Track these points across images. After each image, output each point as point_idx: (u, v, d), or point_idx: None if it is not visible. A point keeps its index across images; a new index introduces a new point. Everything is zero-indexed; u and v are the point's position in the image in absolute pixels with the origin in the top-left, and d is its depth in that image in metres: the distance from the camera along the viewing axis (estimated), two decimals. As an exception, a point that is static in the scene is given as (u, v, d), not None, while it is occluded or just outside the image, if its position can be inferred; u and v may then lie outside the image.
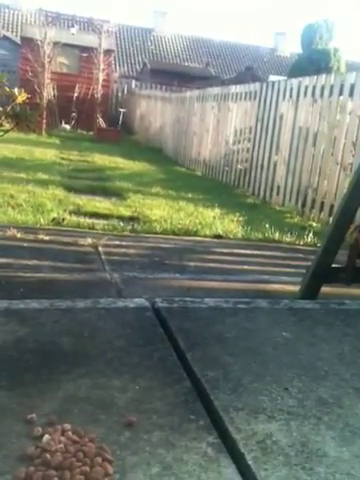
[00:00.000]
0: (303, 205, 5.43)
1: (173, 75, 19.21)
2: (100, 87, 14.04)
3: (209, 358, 1.66)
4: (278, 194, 5.99)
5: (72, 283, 2.55)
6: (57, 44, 13.26)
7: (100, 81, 13.99)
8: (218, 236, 3.97)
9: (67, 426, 1.21)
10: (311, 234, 4.22)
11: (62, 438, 1.17)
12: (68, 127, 14.74)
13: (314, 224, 4.92)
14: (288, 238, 4.12)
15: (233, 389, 1.48)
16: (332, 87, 5.08)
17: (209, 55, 28.31)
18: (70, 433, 1.19)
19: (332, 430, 1.34)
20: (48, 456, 1.10)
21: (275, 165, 6.15)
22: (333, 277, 2.48)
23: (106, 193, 5.44)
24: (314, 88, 5.39)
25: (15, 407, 1.29)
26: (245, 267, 3.17)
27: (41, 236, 3.30)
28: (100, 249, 3.17)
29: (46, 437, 1.16)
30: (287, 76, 14.75)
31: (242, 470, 1.16)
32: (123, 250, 3.25)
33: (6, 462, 1.10)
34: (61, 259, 2.90)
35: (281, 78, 9.78)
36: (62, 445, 1.14)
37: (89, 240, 3.28)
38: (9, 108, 2.58)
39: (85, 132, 14.39)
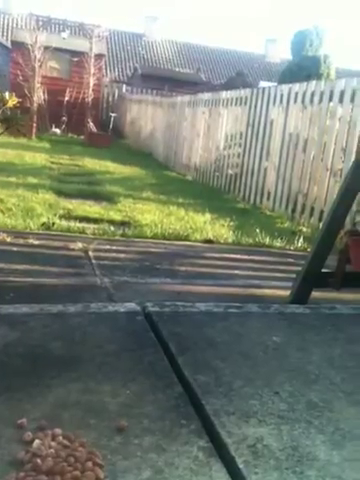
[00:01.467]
0: (293, 210, 5.45)
1: (164, 80, 19.25)
2: (91, 91, 14.03)
3: (200, 362, 1.66)
4: (268, 199, 6.02)
5: (62, 288, 2.54)
6: (48, 48, 13.23)
7: (91, 85, 13.98)
8: (209, 241, 3.98)
9: (58, 431, 1.21)
10: (301, 239, 4.24)
11: (53, 443, 1.16)
12: (58, 131, 14.70)
13: (304, 229, 4.94)
14: (278, 243, 4.13)
15: (224, 393, 1.48)
16: (322, 93, 5.12)
17: (200, 61, 28.42)
18: (61, 438, 1.18)
19: (322, 434, 1.35)
20: (39, 461, 1.10)
21: (265, 170, 6.17)
22: (323, 282, 2.50)
23: (96, 197, 5.43)
24: (304, 94, 5.42)
25: (5, 412, 1.28)
26: (236, 272, 3.18)
27: (31, 240, 3.29)
28: (90, 254, 3.16)
29: (36, 442, 1.16)
30: (277, 82, 14.84)
31: (233, 474, 1.16)
32: (113, 254, 3.25)
33: (-4, 467, 1.09)
34: (51, 263, 2.89)
35: (271, 84, 9.84)
36: (53, 450, 1.14)
37: (79, 244, 3.28)
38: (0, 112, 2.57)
39: (76, 136, 14.36)
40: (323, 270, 2.48)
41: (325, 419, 1.42)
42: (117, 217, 4.48)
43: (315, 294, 2.49)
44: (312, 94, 5.28)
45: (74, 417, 1.29)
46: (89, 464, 1.10)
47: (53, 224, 3.83)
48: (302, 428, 1.36)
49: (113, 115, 14.94)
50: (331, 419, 1.42)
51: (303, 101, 5.44)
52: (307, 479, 1.16)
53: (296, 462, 1.22)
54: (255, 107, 6.51)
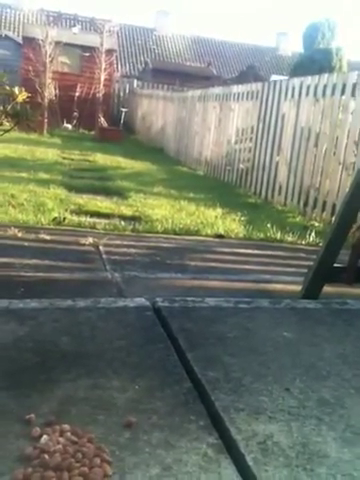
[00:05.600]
0: (305, 205, 5.41)
1: (175, 75, 19.18)
2: (102, 87, 14.04)
3: (210, 358, 1.65)
4: (280, 194, 5.97)
5: (73, 282, 2.54)
6: (59, 44, 13.25)
7: (102, 81, 13.99)
8: (220, 236, 3.96)
9: (66, 426, 1.20)
10: (313, 234, 4.21)
11: (61, 439, 1.16)
12: (70, 127, 14.73)
13: (316, 224, 4.90)
14: (290, 238, 4.10)
15: (234, 389, 1.47)
16: (334, 86, 5.06)
17: (211, 55, 28.30)
18: (69, 434, 1.18)
19: (333, 431, 1.33)
20: (46, 457, 1.09)
21: (277, 165, 6.13)
22: (335, 277, 2.47)
23: (107, 192, 5.43)
24: (316, 87, 5.37)
25: (14, 407, 1.28)
26: (246, 267, 3.16)
27: (42, 235, 3.29)
28: (101, 248, 3.16)
29: (44, 438, 1.15)
30: (289, 76, 14.73)
31: (242, 471, 1.14)
32: (124, 249, 3.25)
33: (4, 463, 1.09)
34: (62, 258, 2.89)
35: (283, 78, 9.77)
36: (61, 446, 1.13)
37: (90, 239, 3.28)
38: (9, 107, 2.57)
39: (87, 132, 14.38)
40: (335, 265, 2.45)
41: (336, 416, 1.40)
42: (128, 212, 4.48)
43: (327, 289, 2.46)
44: (324, 87, 5.22)
45: (82, 413, 1.29)
46: (97, 460, 1.10)
47: (64, 219, 3.84)
48: (313, 425, 1.34)
49: (124, 110, 14.93)
50: (342, 416, 1.40)
51: (315, 94, 5.39)
52: (318, 477, 1.15)
53: (306, 459, 1.20)
54: (266, 101, 6.46)
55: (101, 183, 6.02)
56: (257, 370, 1.60)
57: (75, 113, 14.95)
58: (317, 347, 1.83)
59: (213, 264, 3.15)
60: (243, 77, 17.98)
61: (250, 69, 21.38)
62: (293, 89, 5.84)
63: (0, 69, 11.56)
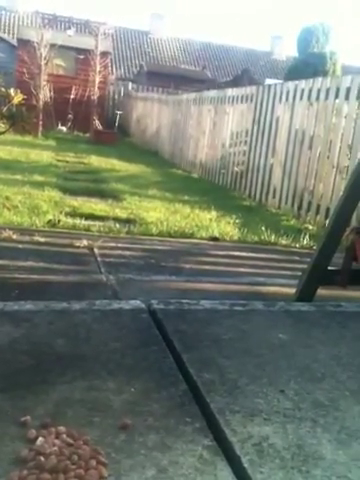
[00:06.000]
0: (299, 208, 5.43)
1: (170, 78, 19.23)
2: (97, 89, 14.04)
3: (205, 360, 1.65)
4: (274, 197, 5.99)
5: (67, 285, 2.54)
6: (53, 46, 13.24)
7: (96, 83, 13.99)
8: (214, 238, 3.97)
9: (61, 429, 1.20)
10: (307, 237, 4.22)
11: (56, 441, 1.16)
12: (64, 129, 14.72)
13: (310, 227, 4.92)
14: (284, 241, 4.11)
15: (229, 391, 1.47)
16: (328, 90, 5.08)
17: (206, 58, 28.37)
18: (64, 436, 1.17)
19: (328, 433, 1.33)
20: (42, 459, 1.09)
21: (271, 168, 6.15)
22: (329, 279, 2.48)
23: (102, 195, 5.43)
24: (310, 91, 5.39)
25: (9, 409, 1.28)
26: (241, 269, 3.17)
27: (37, 238, 3.29)
28: (96, 251, 3.16)
29: (40, 440, 1.15)
30: (283, 79, 14.78)
31: (238, 473, 1.15)
32: (119, 252, 3.25)
33: (-1, 465, 1.09)
34: (56, 261, 2.89)
35: (277, 81, 9.80)
36: (56, 448, 1.13)
37: (85, 242, 3.27)
38: (5, 109, 2.57)
39: (81, 134, 14.37)
40: (329, 268, 2.46)
41: (331, 418, 1.41)
42: (123, 215, 4.47)
43: (321, 292, 2.47)
44: (318, 91, 5.25)
45: (78, 415, 1.28)
46: (93, 462, 1.09)
47: (59, 221, 3.83)
48: (308, 427, 1.35)
49: (119, 113, 14.94)
50: (337, 418, 1.41)
51: (309, 98, 5.41)
52: (313, 478, 1.15)
53: (302, 461, 1.21)
54: (261, 104, 6.48)
55: (96, 185, 6.02)
56: (252, 372, 1.61)
57: (70, 115, 14.93)
58: (312, 349, 1.84)
59: (208, 267, 3.16)
60: (238, 81, 18.03)
61: (245, 73, 21.45)
62: (287, 93, 5.87)
63: (-5, 71, 11.53)
